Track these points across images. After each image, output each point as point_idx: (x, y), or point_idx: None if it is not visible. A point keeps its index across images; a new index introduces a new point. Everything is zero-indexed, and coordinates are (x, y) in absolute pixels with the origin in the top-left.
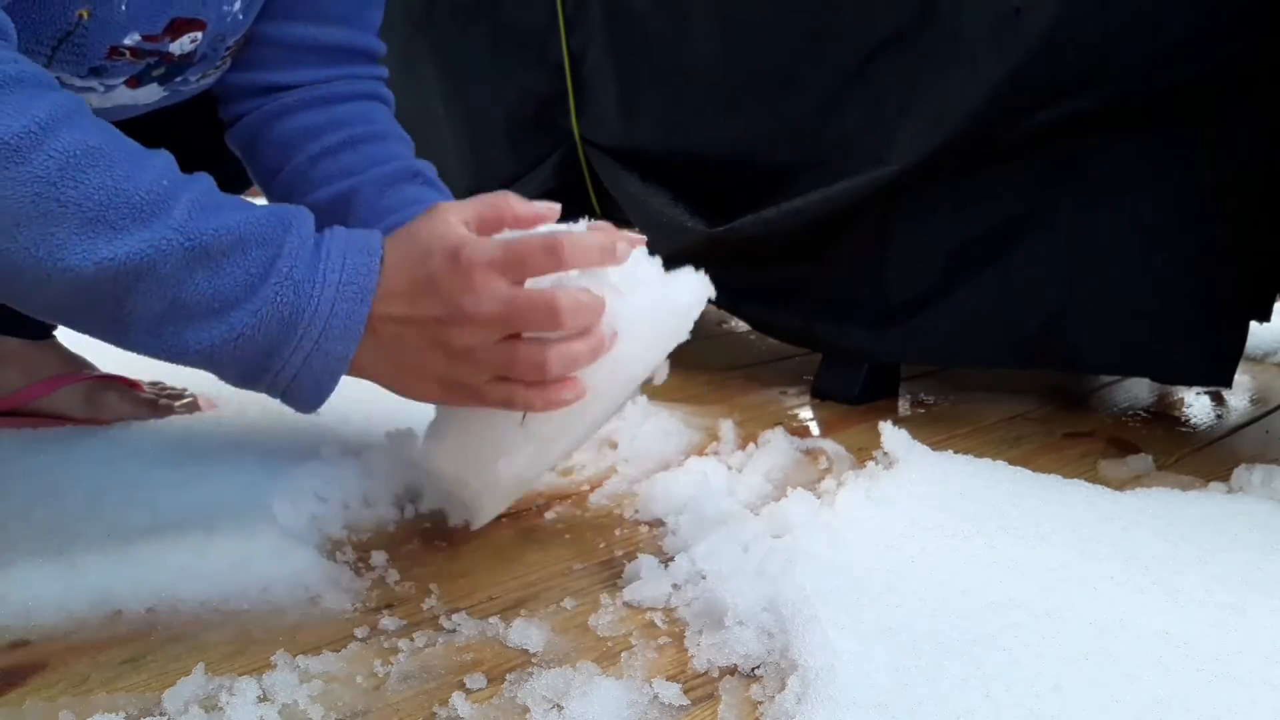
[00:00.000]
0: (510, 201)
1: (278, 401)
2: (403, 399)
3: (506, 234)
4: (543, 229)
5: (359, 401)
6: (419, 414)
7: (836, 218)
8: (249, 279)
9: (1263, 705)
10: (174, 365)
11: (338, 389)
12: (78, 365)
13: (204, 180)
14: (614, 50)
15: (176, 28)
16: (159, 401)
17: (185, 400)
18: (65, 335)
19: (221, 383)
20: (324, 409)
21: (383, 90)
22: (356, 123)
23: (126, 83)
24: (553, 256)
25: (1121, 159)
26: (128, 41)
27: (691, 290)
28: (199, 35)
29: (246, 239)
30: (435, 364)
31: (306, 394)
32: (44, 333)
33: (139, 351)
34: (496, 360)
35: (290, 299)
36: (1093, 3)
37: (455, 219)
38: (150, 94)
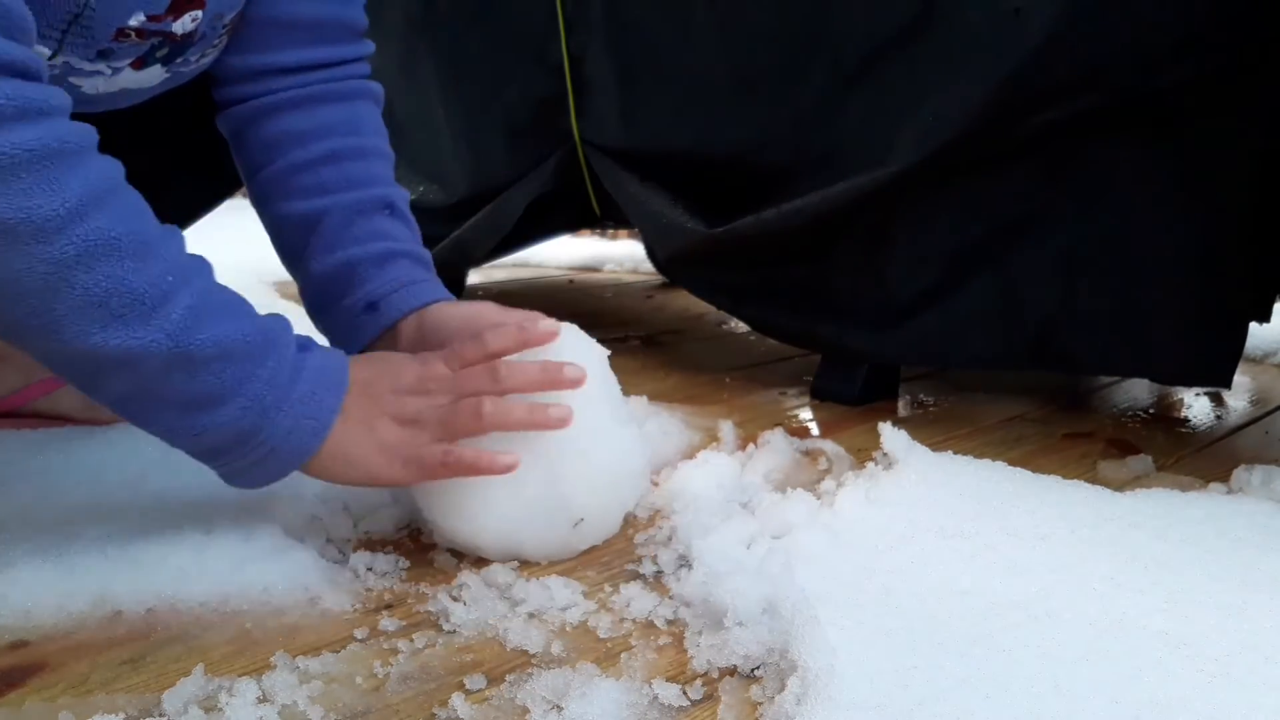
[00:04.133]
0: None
1: None
2: None
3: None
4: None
5: None
6: None
7: (836, 218)
8: (221, 391)
9: (1263, 706)
10: None
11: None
12: None
13: (205, 274)
14: (614, 51)
15: (178, 6)
16: None
17: None
18: None
19: None
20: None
21: (372, 85)
22: (342, 132)
23: (131, 65)
24: (496, 380)
25: (1121, 159)
26: (133, 22)
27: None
28: (199, 14)
29: (230, 353)
30: (384, 434)
31: (245, 483)
32: None
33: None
34: (439, 419)
35: (254, 420)
36: (1093, 3)
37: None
38: (153, 76)
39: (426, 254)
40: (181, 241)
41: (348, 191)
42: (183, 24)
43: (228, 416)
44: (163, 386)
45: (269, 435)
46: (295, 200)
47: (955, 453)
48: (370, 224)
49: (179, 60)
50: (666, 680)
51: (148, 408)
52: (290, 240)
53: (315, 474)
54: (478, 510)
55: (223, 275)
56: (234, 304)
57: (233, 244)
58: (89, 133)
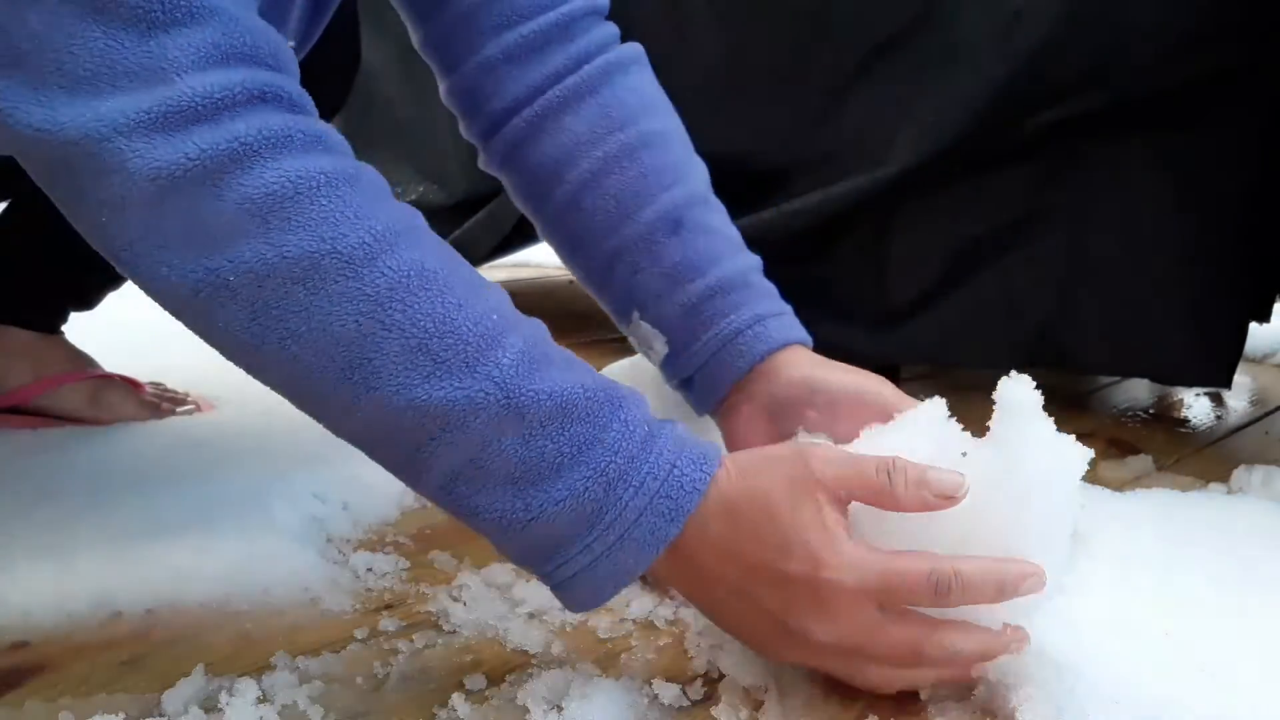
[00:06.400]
0: (896, 492)
1: (278, 402)
2: None
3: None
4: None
5: None
6: None
7: (836, 219)
8: (559, 458)
9: (1263, 707)
10: (173, 365)
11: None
12: (83, 363)
13: (536, 326)
14: None
15: None
16: (160, 405)
17: (186, 407)
18: (72, 331)
19: (221, 382)
20: None
21: (626, 51)
22: (603, 133)
23: None
24: (939, 597)
25: (1121, 159)
26: None
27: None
28: None
29: (570, 410)
30: (759, 624)
31: (582, 594)
32: (53, 327)
33: (429, 499)
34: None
35: (599, 496)
36: (1093, 4)
37: (825, 496)
38: None
39: (740, 261)
40: (505, 293)
41: (626, 226)
42: None
43: (565, 490)
44: (492, 455)
45: (616, 518)
46: (581, 255)
47: None
48: (662, 260)
49: None
50: (666, 680)
51: (477, 489)
52: (594, 286)
53: (666, 579)
54: None
55: None
56: (568, 358)
57: None
58: (389, 188)
